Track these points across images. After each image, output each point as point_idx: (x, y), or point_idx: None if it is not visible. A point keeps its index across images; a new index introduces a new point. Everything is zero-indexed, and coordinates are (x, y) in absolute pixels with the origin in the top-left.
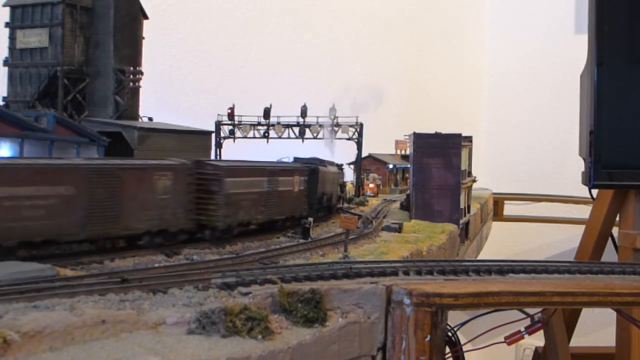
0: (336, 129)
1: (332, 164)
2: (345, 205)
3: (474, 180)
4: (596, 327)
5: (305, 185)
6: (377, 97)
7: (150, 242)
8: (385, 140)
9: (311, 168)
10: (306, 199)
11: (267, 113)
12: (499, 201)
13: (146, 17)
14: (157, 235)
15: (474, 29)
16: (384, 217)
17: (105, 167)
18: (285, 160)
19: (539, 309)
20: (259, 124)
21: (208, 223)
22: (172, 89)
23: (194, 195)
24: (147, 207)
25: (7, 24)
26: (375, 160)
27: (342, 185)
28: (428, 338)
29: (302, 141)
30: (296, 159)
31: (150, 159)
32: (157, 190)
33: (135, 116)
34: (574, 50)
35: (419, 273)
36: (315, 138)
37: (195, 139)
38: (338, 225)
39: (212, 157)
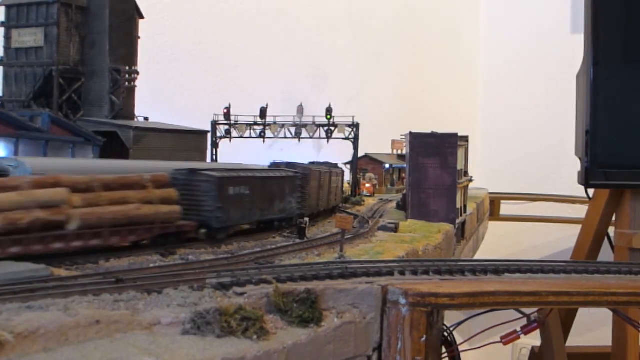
0: (332, 128)
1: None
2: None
3: (471, 180)
4: (593, 327)
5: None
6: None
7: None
8: (381, 140)
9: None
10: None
11: (263, 113)
12: (495, 201)
13: (142, 17)
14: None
15: (469, 29)
16: (380, 217)
17: (321, 171)
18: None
19: (535, 309)
20: (255, 123)
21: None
22: (168, 89)
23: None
24: (328, 193)
25: (2, 24)
26: (371, 160)
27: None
28: (424, 338)
29: (299, 141)
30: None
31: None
32: (331, 184)
33: (130, 116)
34: (570, 49)
35: (414, 273)
36: (311, 138)
37: (191, 139)
38: (334, 225)
39: (208, 157)
